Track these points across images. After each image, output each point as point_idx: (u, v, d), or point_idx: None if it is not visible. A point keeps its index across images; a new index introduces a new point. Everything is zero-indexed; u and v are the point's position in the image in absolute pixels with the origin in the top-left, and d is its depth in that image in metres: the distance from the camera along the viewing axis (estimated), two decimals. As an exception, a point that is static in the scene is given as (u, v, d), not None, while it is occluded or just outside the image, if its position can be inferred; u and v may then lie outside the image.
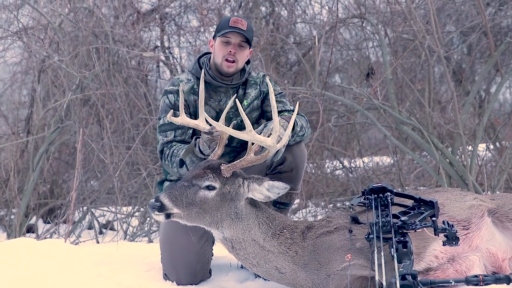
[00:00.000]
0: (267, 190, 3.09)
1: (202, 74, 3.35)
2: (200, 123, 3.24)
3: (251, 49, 3.76)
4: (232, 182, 3.11)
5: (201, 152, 3.30)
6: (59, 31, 5.90)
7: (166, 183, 3.79)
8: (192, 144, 3.32)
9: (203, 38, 6.86)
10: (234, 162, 3.11)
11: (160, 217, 3.06)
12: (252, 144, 3.08)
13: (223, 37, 3.62)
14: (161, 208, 3.02)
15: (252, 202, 3.17)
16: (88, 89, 5.97)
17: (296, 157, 3.56)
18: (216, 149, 3.26)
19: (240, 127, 3.48)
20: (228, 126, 3.15)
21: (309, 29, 7.24)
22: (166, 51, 7.30)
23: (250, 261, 3.17)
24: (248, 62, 3.82)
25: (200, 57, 3.82)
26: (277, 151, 3.19)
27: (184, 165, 3.40)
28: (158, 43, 7.37)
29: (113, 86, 6.03)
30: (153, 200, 3.03)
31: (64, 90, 6.12)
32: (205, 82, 3.65)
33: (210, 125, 3.14)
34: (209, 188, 3.06)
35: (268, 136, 3.13)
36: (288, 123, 3.21)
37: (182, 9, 7.11)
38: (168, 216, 3.06)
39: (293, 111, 3.63)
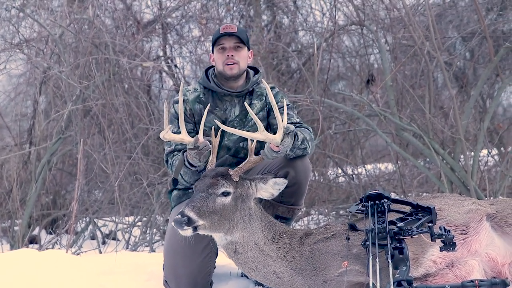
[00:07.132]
0: (272, 187, 3.22)
1: (181, 88, 3.40)
2: (185, 138, 3.30)
3: (251, 50, 3.86)
4: (241, 184, 3.21)
5: (191, 165, 3.37)
6: (60, 43, 5.94)
7: (175, 192, 3.85)
8: (181, 159, 3.41)
9: (204, 48, 6.89)
10: (240, 165, 3.24)
11: (188, 232, 3.06)
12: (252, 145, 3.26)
13: (218, 45, 3.73)
14: (189, 222, 3.03)
15: (258, 205, 3.29)
16: (89, 100, 5.99)
17: (299, 172, 3.56)
18: (211, 158, 3.35)
19: None
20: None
21: (310, 37, 7.25)
22: (168, 60, 7.33)
23: (249, 265, 3.21)
24: (257, 72, 3.90)
25: (208, 68, 3.90)
26: (285, 146, 3.17)
27: (177, 182, 3.59)
28: (161, 53, 7.41)
29: (115, 96, 6.06)
30: (179, 215, 3.03)
31: (65, 101, 6.16)
32: (211, 91, 3.80)
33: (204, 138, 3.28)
34: (225, 194, 3.15)
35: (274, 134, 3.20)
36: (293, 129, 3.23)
37: (184, 19, 7.15)
38: (195, 229, 3.07)
39: (299, 123, 3.67)
